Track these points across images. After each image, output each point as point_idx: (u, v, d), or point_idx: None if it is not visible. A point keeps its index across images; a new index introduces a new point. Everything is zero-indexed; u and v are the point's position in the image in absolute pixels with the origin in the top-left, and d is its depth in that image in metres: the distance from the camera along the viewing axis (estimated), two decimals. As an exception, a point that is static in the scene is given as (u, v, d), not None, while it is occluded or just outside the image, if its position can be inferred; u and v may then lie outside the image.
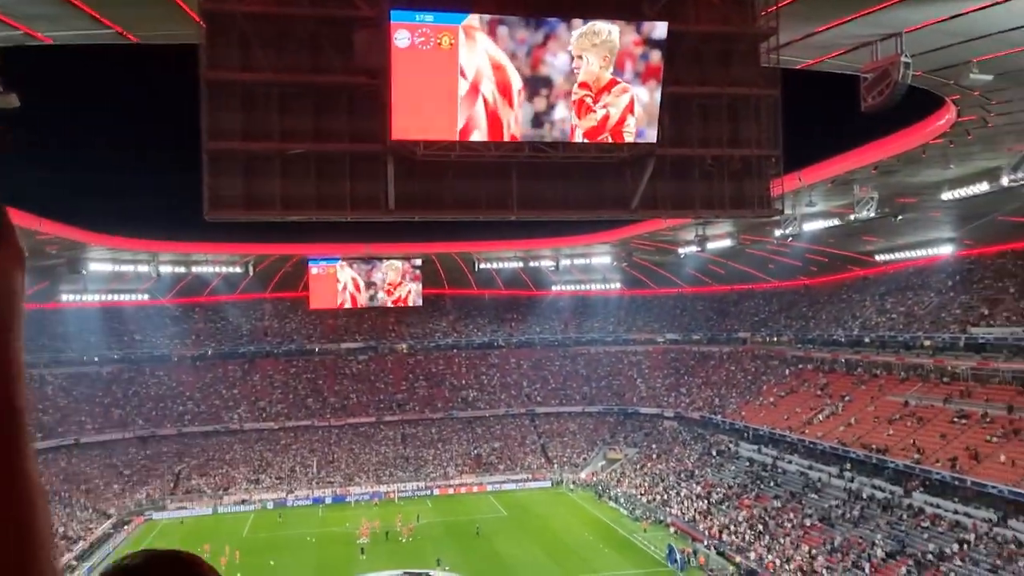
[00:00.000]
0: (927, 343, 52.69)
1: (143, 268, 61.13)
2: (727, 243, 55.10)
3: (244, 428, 71.98)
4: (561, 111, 18.38)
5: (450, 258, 72.20)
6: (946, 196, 38.46)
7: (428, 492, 65.48)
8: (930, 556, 37.21)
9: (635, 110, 18.63)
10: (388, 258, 69.68)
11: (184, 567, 1.30)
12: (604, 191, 21.00)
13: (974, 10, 18.82)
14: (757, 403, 63.11)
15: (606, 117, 18.61)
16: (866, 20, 19.47)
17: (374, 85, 18.02)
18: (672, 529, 51.80)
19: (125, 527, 55.98)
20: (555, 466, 70.49)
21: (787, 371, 65.88)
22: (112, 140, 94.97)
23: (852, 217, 39.88)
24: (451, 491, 66.00)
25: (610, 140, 19.03)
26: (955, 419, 45.16)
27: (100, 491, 60.62)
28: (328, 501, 63.68)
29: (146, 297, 74.52)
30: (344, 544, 50.56)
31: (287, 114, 18.28)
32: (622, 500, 59.74)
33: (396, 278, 70.08)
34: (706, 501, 53.67)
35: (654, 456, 67.22)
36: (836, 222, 45.84)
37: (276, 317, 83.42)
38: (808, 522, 45.43)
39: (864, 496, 45.67)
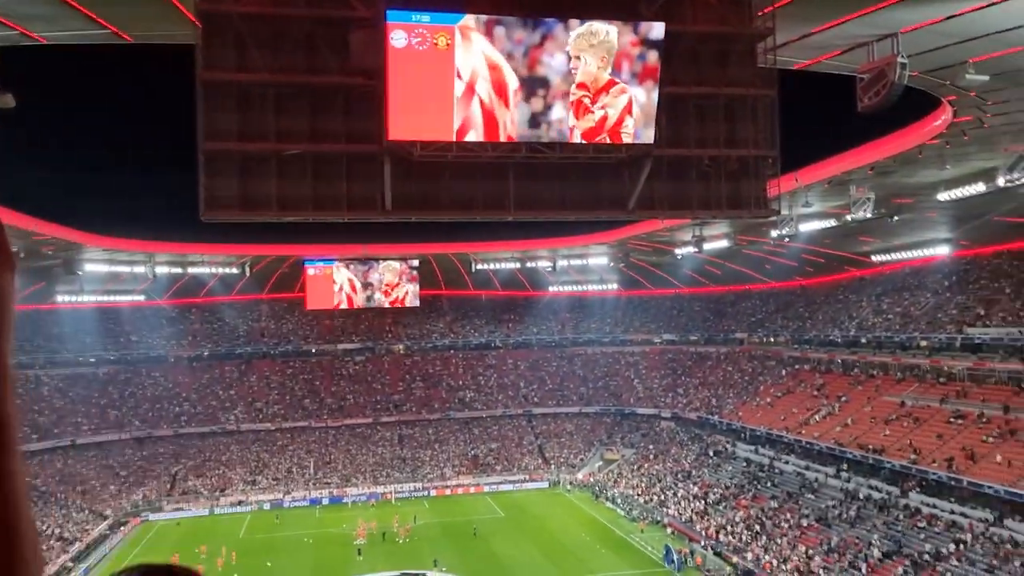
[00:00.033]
0: (923, 343, 52.79)
1: (139, 269, 60.96)
2: (724, 244, 55.14)
3: (241, 429, 71.89)
4: (558, 111, 18.36)
5: (447, 259, 72.17)
6: (942, 197, 38.51)
7: (425, 493, 65.44)
8: (926, 556, 37.25)
9: (633, 111, 18.62)
10: (385, 259, 69.63)
11: None
12: (601, 192, 20.99)
13: (970, 11, 18.84)
14: (754, 403, 63.16)
15: (604, 118, 18.60)
16: (862, 21, 19.48)
17: (370, 86, 17.99)
18: (669, 529, 51.82)
19: (121, 528, 55.83)
20: (552, 467, 70.49)
21: (784, 372, 65.95)
22: (108, 140, 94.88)
23: (848, 218, 39.90)
24: (448, 492, 65.96)
25: (608, 141, 19.01)
26: (951, 419, 45.23)
27: (96, 492, 60.49)
28: (325, 502, 63.61)
29: (142, 298, 74.34)
30: (341, 545, 50.50)
31: (283, 115, 18.24)
32: (619, 500, 59.73)
33: (393, 279, 70.02)
34: (703, 501, 53.69)
35: (651, 457, 67.24)
36: (833, 223, 45.89)
37: (273, 318, 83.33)
38: (805, 522, 45.47)
39: (861, 496, 45.73)
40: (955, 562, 36.09)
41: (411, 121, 17.82)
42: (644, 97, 18.59)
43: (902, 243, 57.14)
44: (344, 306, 71.05)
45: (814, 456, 51.99)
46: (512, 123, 18.20)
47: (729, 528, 48.12)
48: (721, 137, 20.71)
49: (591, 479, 67.32)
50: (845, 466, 48.85)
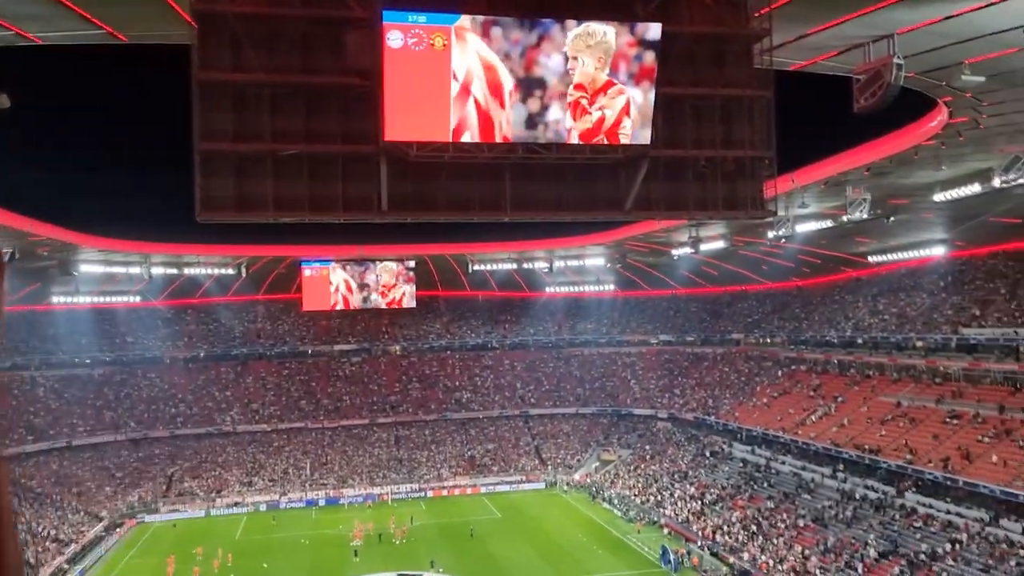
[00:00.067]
0: (919, 344, 52.91)
1: (135, 270, 60.87)
2: (720, 244, 55.20)
3: (237, 430, 71.77)
4: (555, 112, 18.34)
5: (443, 259, 72.14)
6: (938, 197, 38.58)
7: (422, 494, 65.39)
8: (923, 556, 37.31)
9: (631, 112, 18.62)
10: (382, 260, 69.64)
11: None
12: (598, 192, 20.98)
13: (966, 12, 18.88)
14: (750, 404, 63.22)
15: (601, 119, 18.59)
16: (859, 22, 19.51)
17: (367, 86, 17.96)
18: (666, 530, 51.84)
19: (117, 530, 55.68)
20: (549, 467, 70.48)
21: (780, 372, 66.03)
22: (104, 141, 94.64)
23: (845, 218, 39.94)
24: (445, 493, 65.91)
25: (606, 142, 19.00)
26: (947, 419, 45.32)
27: (92, 494, 60.33)
28: (321, 503, 63.54)
29: (138, 299, 74.19)
30: (337, 546, 50.43)
31: (279, 115, 18.20)
32: (616, 501, 59.74)
33: (390, 280, 70.00)
34: (700, 502, 53.72)
35: (648, 457, 67.27)
36: (829, 223, 45.96)
37: (269, 319, 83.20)
38: (801, 523, 45.51)
39: (857, 496, 45.79)
40: (951, 562, 36.15)
41: (407, 122, 17.79)
42: (641, 98, 18.59)
43: (898, 244, 57.25)
44: (340, 307, 71.07)
45: (810, 456, 52.06)
46: (508, 124, 18.18)
47: (726, 528, 48.15)
48: (717, 138, 20.72)
49: (588, 480, 67.32)
50: (841, 466, 48.92)
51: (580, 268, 75.40)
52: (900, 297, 58.38)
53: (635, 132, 18.91)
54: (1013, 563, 34.04)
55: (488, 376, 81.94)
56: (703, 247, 54.25)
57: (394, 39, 16.81)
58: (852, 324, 59.88)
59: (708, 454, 62.43)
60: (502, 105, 17.96)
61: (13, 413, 65.07)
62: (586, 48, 17.77)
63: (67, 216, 49.39)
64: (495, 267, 73.63)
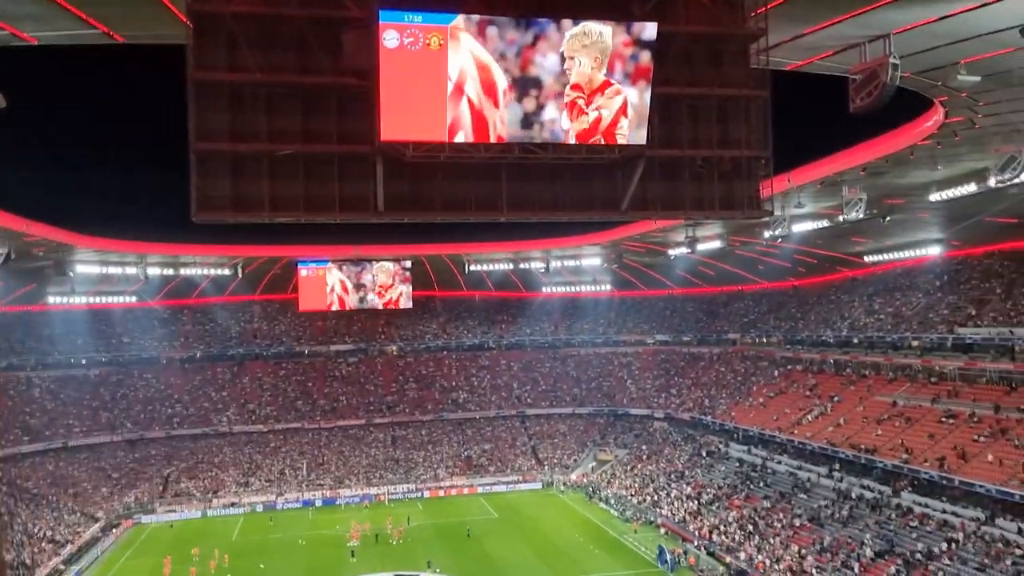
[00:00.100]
0: (915, 343, 53.01)
1: (131, 270, 60.77)
2: (717, 244, 55.26)
3: (233, 431, 71.71)
4: (551, 112, 18.32)
5: (440, 260, 72.12)
6: (934, 197, 38.63)
7: (418, 494, 65.39)
8: (918, 555, 37.38)
9: (628, 112, 18.61)
10: (378, 260, 69.61)
11: None
12: (594, 192, 20.95)
13: (962, 12, 18.91)
14: (747, 404, 63.29)
15: (598, 119, 18.56)
16: (855, 21, 19.54)
17: (363, 86, 17.91)
18: (662, 530, 51.90)
19: (114, 531, 55.61)
20: (545, 467, 70.50)
21: (776, 372, 66.12)
22: (99, 141, 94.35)
23: (841, 218, 40.00)
24: (441, 493, 65.92)
25: (603, 142, 18.99)
26: (943, 419, 45.40)
27: (88, 494, 60.24)
28: (318, 504, 63.51)
29: (134, 299, 74.12)
30: (334, 547, 50.42)
31: (275, 115, 18.13)
32: (612, 501, 59.79)
33: (387, 280, 69.96)
34: (696, 502, 53.77)
35: (644, 457, 67.32)
36: (825, 223, 46.03)
37: (265, 319, 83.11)
38: (797, 522, 45.56)
39: (853, 496, 45.86)
40: (947, 561, 36.22)
41: (403, 122, 17.74)
42: (636, 97, 18.58)
43: (894, 243, 57.37)
44: (336, 307, 71.00)
45: (806, 456, 52.13)
46: (502, 123, 18.14)
47: (722, 528, 48.21)
48: (714, 138, 20.70)
49: (584, 480, 67.36)
50: (837, 466, 48.99)
51: (576, 268, 75.44)
52: (896, 297, 58.50)
53: (631, 132, 18.91)
54: (1009, 562, 34.12)
55: (485, 376, 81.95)
56: (699, 247, 54.29)
57: (390, 39, 16.78)
58: (848, 324, 59.97)
59: (704, 454, 62.49)
60: (496, 104, 17.92)
61: (9, 414, 64.93)
62: (582, 48, 17.74)
63: (63, 216, 49.40)
64: (492, 267, 73.66)
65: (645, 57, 18.17)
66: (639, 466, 65.50)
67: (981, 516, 38.26)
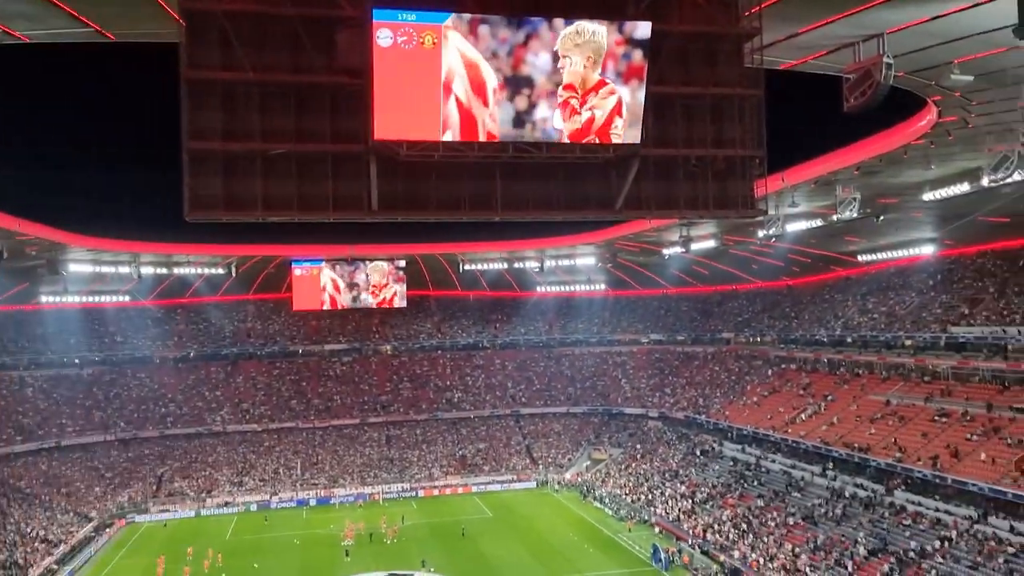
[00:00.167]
0: (908, 343, 53.18)
1: (124, 269, 60.49)
2: (711, 244, 55.32)
3: (227, 430, 71.54)
4: (543, 111, 18.29)
5: (434, 259, 72.04)
6: (927, 197, 38.71)
7: (413, 493, 65.34)
8: (912, 553, 37.49)
9: (622, 111, 18.59)
10: (372, 259, 69.48)
11: None
12: (588, 192, 20.94)
13: (955, 11, 18.95)
14: (741, 403, 63.39)
15: (592, 119, 18.55)
16: (849, 21, 19.57)
17: (356, 85, 17.86)
18: (657, 529, 51.95)
19: (107, 530, 55.44)
20: (540, 467, 70.51)
21: (770, 371, 66.24)
22: (92, 139, 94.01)
23: (835, 217, 40.06)
24: (436, 492, 65.88)
25: (597, 141, 18.97)
26: (936, 418, 45.54)
27: (81, 494, 60.03)
28: (312, 503, 63.43)
29: (127, 298, 73.88)
30: (329, 546, 50.37)
31: (268, 114, 18.08)
32: (607, 500, 59.83)
33: (380, 279, 69.84)
34: (690, 500, 53.84)
35: (638, 456, 67.38)
36: (819, 222, 46.10)
37: (259, 318, 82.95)
38: (791, 521, 45.65)
39: (846, 494, 45.96)
40: (940, 559, 36.32)
41: (397, 121, 17.70)
42: (630, 97, 18.57)
43: (887, 243, 57.50)
44: (330, 307, 70.83)
45: (800, 455, 52.26)
46: (493, 121, 18.10)
47: (716, 527, 48.27)
48: (708, 137, 20.71)
49: (579, 479, 67.40)
50: (831, 465, 49.11)
51: (571, 267, 75.45)
52: (889, 296, 58.65)
53: (625, 131, 18.90)
54: (1001, 560, 34.23)
55: (479, 376, 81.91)
56: (694, 246, 54.34)
57: (384, 37, 16.74)
58: (842, 323, 60.12)
59: (698, 453, 62.58)
60: (485, 103, 17.87)
61: (1, 413, 64.70)
62: (575, 47, 17.71)
63: (55, 215, 49.20)
64: (486, 267, 73.60)
65: (638, 56, 18.16)
66: (633, 465, 65.57)
67: (974, 514, 38.38)
